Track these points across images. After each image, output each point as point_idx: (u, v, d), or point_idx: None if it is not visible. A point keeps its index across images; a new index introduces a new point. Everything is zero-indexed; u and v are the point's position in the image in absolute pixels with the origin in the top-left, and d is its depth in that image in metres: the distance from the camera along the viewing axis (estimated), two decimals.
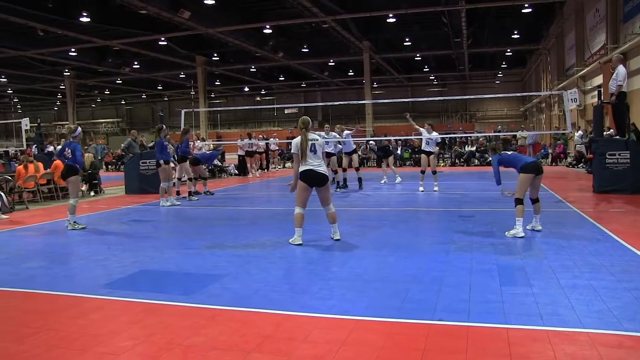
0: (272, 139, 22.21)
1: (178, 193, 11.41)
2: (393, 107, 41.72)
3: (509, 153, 6.52)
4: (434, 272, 4.65)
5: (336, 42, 27.13)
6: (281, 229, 7.02)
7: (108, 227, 8.05)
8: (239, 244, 6.24)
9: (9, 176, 11.18)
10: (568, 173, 16.32)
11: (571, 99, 9.78)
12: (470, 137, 22.74)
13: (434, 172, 11.41)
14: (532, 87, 37.48)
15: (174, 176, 11.30)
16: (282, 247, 5.96)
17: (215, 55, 31.03)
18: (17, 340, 3.37)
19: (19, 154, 16.41)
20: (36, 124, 17.82)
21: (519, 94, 39.73)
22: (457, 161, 22.07)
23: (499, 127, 32.88)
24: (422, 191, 11.34)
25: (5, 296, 4.44)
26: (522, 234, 6.09)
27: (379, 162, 17.95)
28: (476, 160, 21.37)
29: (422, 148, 11.67)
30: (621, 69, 10.02)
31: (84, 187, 12.67)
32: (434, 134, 11.43)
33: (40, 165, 11.90)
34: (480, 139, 21.94)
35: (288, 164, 23.70)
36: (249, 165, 18.49)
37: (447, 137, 23.55)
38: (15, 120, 20.94)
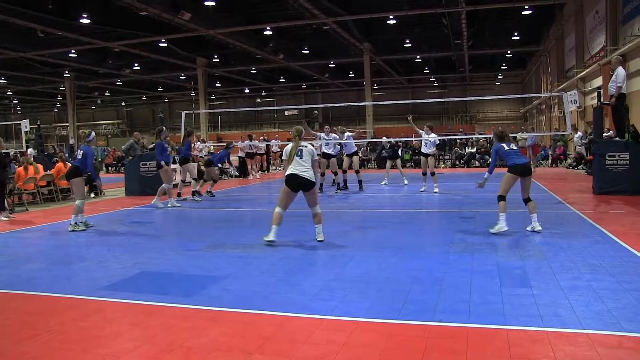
0: (274, 141, 22.23)
1: (179, 195, 11.41)
2: (393, 109, 41.75)
3: (507, 148, 6.57)
4: (434, 273, 4.65)
5: (337, 43, 27.13)
6: (282, 230, 7.01)
7: (109, 228, 8.05)
8: (239, 246, 6.25)
9: (9, 178, 11.18)
10: (568, 174, 16.33)
11: (571, 101, 9.81)
12: (470, 138, 22.74)
13: (433, 174, 11.43)
14: (532, 89, 37.49)
15: (174, 178, 11.30)
16: (282, 248, 5.97)
17: (216, 56, 31.05)
18: (18, 342, 3.37)
19: (18, 155, 16.41)
20: (36, 126, 17.82)
21: (519, 96, 39.74)
22: (457, 162, 22.07)
23: (499, 128, 32.81)
24: (423, 191, 11.43)
25: (6, 298, 4.44)
26: (506, 228, 6.32)
27: (383, 162, 17.90)
28: (476, 162, 21.37)
29: (421, 150, 11.71)
30: (620, 70, 10.02)
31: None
32: (433, 135, 11.43)
33: (40, 167, 11.91)
34: (481, 141, 21.94)
35: None
36: (249, 166, 18.54)
37: (447, 139, 23.53)
38: (15, 122, 20.97)
